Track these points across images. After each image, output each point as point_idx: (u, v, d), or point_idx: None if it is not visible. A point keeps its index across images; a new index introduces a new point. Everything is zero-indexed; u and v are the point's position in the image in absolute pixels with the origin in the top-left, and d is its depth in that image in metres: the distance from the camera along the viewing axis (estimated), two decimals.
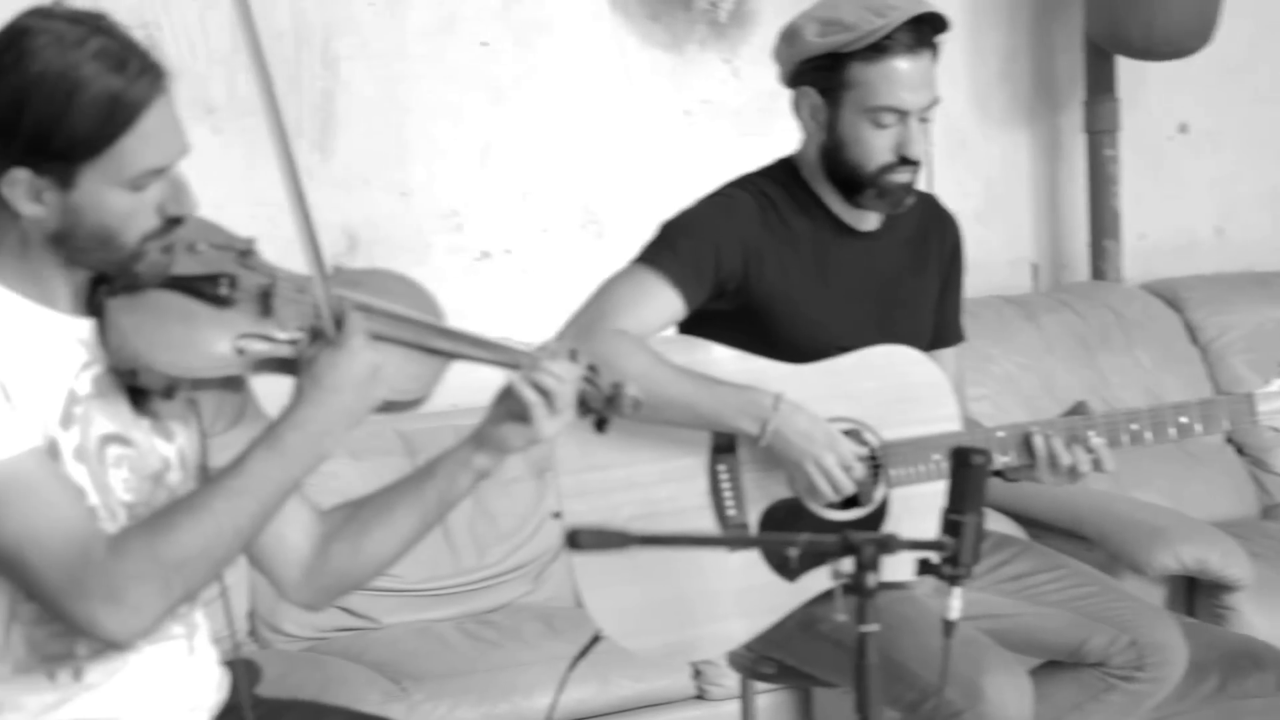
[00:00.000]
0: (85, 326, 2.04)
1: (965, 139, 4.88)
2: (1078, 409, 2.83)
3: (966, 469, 2.31)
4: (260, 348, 1.99)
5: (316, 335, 2.00)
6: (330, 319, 1.99)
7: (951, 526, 2.28)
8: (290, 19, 4.20)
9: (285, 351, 2.00)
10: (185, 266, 2.01)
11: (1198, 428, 2.82)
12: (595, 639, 2.78)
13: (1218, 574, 4.08)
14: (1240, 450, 4.80)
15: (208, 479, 2.06)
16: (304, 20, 4.21)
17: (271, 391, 2.24)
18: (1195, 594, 4.21)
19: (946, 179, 4.73)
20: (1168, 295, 4.98)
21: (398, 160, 4.34)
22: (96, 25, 1.95)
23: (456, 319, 4.31)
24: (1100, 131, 4.94)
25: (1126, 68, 4.95)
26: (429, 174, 4.37)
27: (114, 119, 1.92)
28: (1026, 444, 2.79)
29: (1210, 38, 4.70)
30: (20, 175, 1.94)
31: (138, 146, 1.94)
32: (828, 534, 2.09)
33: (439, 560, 4.03)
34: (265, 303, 2.02)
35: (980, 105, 4.93)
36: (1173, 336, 4.90)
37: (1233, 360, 4.88)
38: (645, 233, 2.88)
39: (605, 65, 4.52)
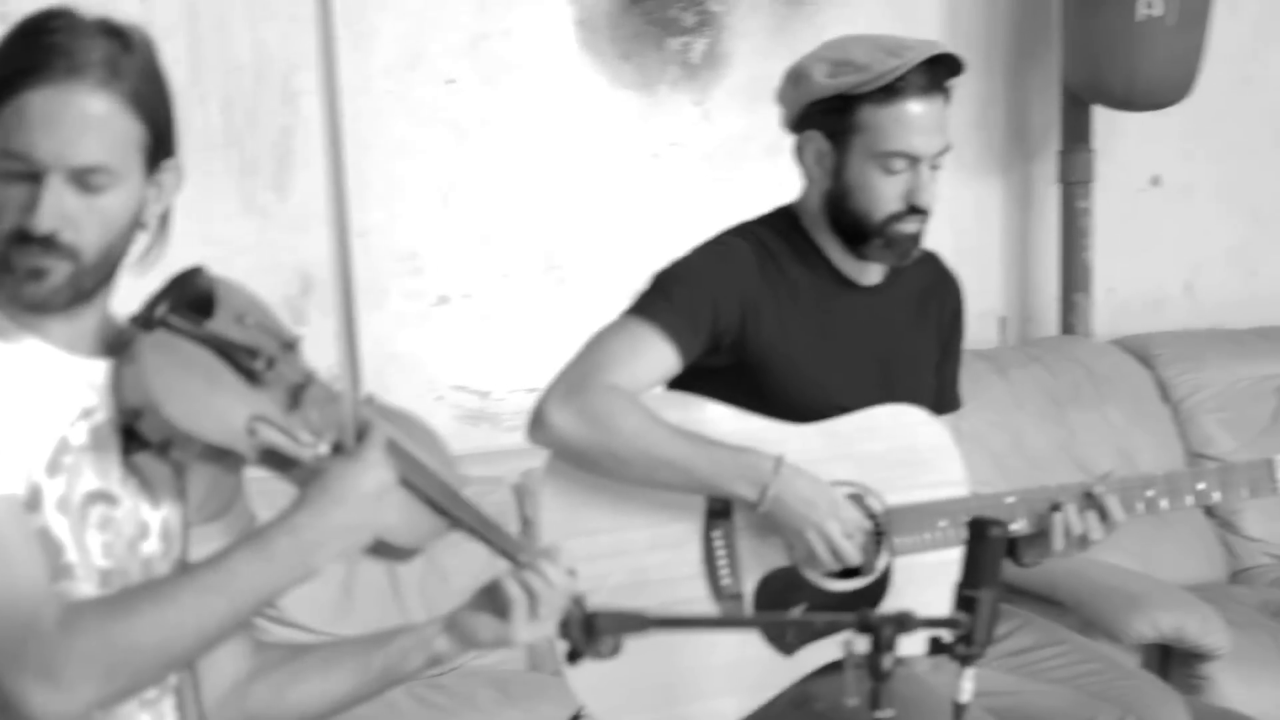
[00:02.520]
0: (98, 369, 1.89)
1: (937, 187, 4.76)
2: (1102, 480, 2.72)
3: (983, 541, 2.20)
4: (274, 436, 1.88)
5: (336, 449, 1.91)
6: (354, 431, 1.90)
7: (966, 602, 2.16)
8: (251, 52, 4.06)
9: (296, 450, 1.89)
10: (228, 332, 1.91)
11: (1215, 495, 2.72)
12: (576, 716, 2.62)
13: (1195, 642, 3.98)
14: (1209, 512, 4.71)
15: (183, 569, 1.92)
16: (264, 53, 4.08)
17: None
18: (1170, 663, 4.09)
19: None
20: (1139, 351, 4.89)
21: (356, 200, 4.13)
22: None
23: (413, 364, 4.28)
24: (1074, 182, 4.85)
25: (1101, 118, 4.87)
26: (388, 215, 4.25)
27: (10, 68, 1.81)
28: (1037, 511, 2.67)
29: (1190, 90, 4.64)
30: None
31: (11, 118, 1.80)
32: (835, 609, 1.95)
33: (386, 618, 3.85)
34: (294, 397, 1.93)
35: (953, 152, 4.81)
36: (1143, 394, 4.81)
37: (1204, 419, 4.79)
38: (609, 278, 2.77)
39: (573, 105, 4.42)
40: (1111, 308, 5.05)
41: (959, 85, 4.83)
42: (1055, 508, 2.67)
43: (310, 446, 1.89)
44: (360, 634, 2.11)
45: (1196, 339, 4.96)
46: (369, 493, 1.86)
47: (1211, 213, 5.15)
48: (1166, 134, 4.98)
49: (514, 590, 1.99)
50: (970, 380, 4.60)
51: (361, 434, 1.89)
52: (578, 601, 2.02)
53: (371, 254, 4.22)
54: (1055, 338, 4.94)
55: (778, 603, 2.64)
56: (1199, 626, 3.95)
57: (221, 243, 4.00)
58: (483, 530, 2.01)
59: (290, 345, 1.96)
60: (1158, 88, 4.57)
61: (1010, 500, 2.69)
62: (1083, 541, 2.68)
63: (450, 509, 1.99)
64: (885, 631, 1.99)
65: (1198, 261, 5.17)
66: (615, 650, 2.00)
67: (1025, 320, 5.04)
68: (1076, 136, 4.84)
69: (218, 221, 4.04)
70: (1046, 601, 4.08)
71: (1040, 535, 2.69)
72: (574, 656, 1.98)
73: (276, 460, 1.90)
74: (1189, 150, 5.08)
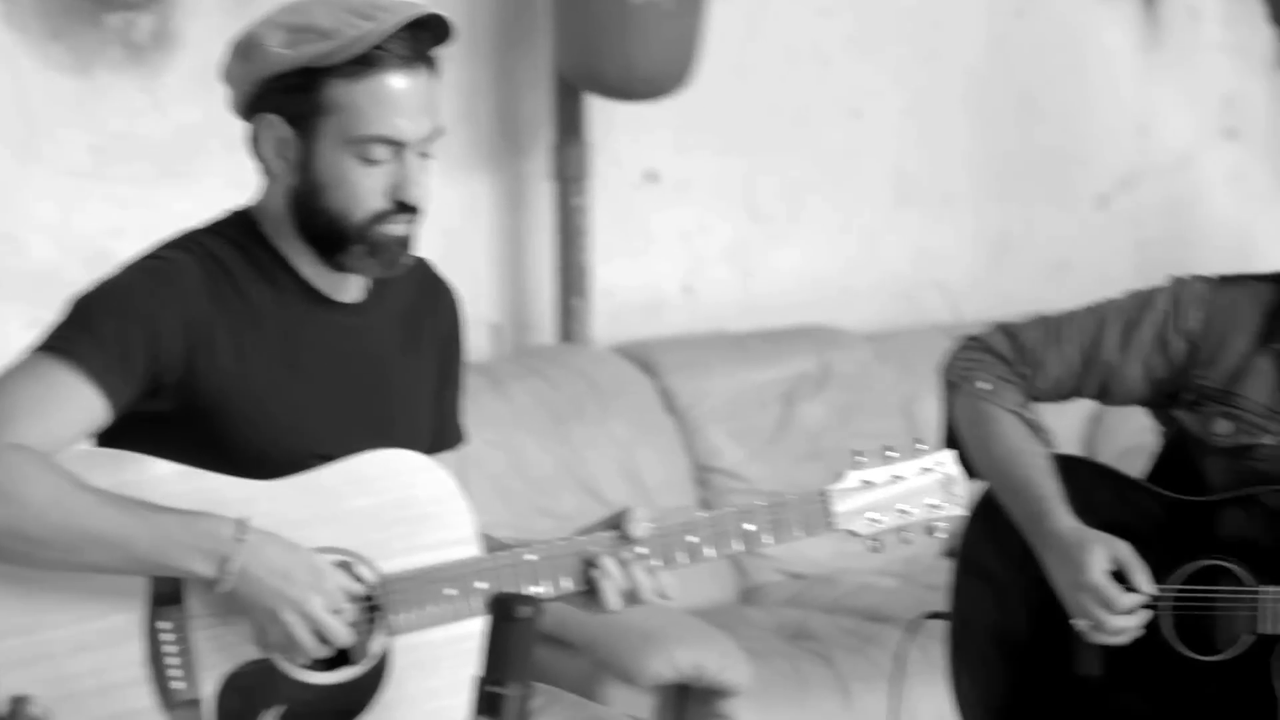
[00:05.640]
0: None
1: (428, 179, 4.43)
2: (617, 519, 2.36)
3: (509, 624, 1.86)
4: None
5: None
6: None
7: (489, 702, 1.84)
8: None
9: None
10: None
11: (766, 538, 2.41)
12: None
13: (714, 679, 3.77)
14: None
15: None
16: None
17: None
18: (687, 702, 3.87)
19: None
20: (640, 359, 4.69)
21: None
22: None
23: None
24: (569, 178, 4.61)
25: (596, 109, 4.63)
26: None
27: None
28: (565, 569, 2.32)
29: (688, 79, 4.44)
30: None
31: None
32: (323, 708, 1.81)
33: None
34: None
35: (439, 146, 4.46)
36: (647, 404, 4.60)
37: (711, 429, 4.62)
38: (47, 298, 2.34)
39: None
40: (610, 312, 4.83)
41: (445, 73, 4.47)
42: (591, 564, 2.30)
43: None
44: None
45: (698, 344, 4.80)
46: None
47: (707, 210, 4.99)
48: (662, 126, 4.78)
49: None
50: (466, 396, 4.31)
51: None
52: (19, 704, 1.71)
53: None
54: (553, 346, 4.72)
55: (249, 705, 2.20)
56: (718, 662, 3.77)
57: None
58: None
59: None
60: (655, 77, 4.38)
61: (532, 558, 2.30)
62: (631, 597, 2.34)
63: None
64: None
65: (695, 262, 5.00)
66: None
67: (521, 328, 4.78)
68: (570, 129, 4.60)
69: None
70: (557, 643, 3.80)
71: (583, 595, 2.33)
72: None
73: None
74: (684, 144, 4.89)
